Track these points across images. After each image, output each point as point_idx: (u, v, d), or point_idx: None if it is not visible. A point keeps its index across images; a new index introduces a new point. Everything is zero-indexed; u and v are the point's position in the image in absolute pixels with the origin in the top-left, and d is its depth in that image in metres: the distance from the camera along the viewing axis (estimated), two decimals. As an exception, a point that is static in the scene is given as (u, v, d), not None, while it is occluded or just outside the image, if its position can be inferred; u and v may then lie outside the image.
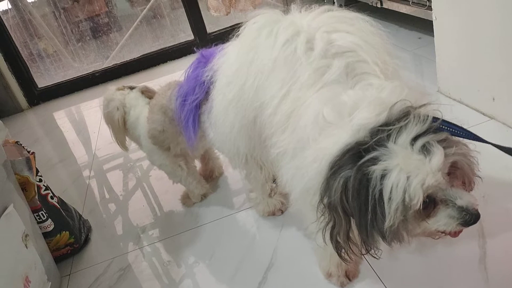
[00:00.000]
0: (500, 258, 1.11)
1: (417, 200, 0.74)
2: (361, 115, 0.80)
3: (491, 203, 1.27)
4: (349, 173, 0.77)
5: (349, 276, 1.15)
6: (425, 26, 2.37)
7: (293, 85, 0.93)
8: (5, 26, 3.20)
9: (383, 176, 0.74)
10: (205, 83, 1.27)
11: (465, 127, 1.69)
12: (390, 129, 0.76)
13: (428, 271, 1.12)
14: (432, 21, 1.77)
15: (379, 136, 0.77)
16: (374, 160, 0.75)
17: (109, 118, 1.58)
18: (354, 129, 0.79)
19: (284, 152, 0.96)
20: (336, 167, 0.79)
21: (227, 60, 1.15)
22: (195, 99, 1.31)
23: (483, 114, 1.65)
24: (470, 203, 0.78)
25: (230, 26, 3.37)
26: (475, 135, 0.85)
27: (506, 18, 1.39)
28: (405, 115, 0.78)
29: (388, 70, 0.92)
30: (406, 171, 0.74)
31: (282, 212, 1.47)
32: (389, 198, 0.74)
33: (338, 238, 0.84)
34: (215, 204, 1.64)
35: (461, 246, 1.16)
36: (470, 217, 0.78)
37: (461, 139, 0.82)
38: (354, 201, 0.78)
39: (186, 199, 1.68)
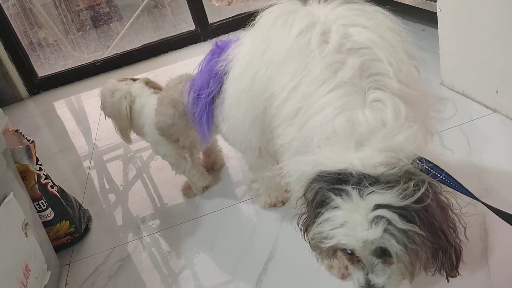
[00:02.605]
0: (502, 252, 1.11)
1: (324, 245, 0.81)
2: (366, 156, 0.79)
3: (493, 196, 1.27)
4: (322, 187, 0.82)
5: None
6: (429, 18, 2.35)
7: (303, 78, 0.92)
8: (6, 14, 3.18)
9: (332, 208, 0.80)
10: (219, 75, 1.25)
11: (468, 120, 1.69)
12: (371, 187, 0.76)
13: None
14: (436, 12, 1.76)
15: (360, 185, 0.78)
16: (339, 193, 0.79)
17: (115, 108, 1.55)
18: (352, 162, 0.80)
19: (288, 146, 0.95)
20: (319, 177, 0.83)
21: (241, 50, 1.15)
22: (209, 93, 1.29)
23: (486, 107, 1.64)
24: (379, 285, 0.84)
25: (232, 17, 3.35)
26: (470, 192, 0.84)
27: (511, 10, 1.38)
28: (395, 181, 0.76)
29: (402, 71, 0.89)
30: (344, 220, 0.78)
31: (283, 204, 1.47)
32: (319, 223, 0.81)
33: (307, 228, 0.90)
34: (215, 195, 1.64)
35: (463, 239, 1.15)
36: None
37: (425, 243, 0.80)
38: (313, 208, 0.85)
39: (188, 190, 1.67)
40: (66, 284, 1.41)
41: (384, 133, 0.81)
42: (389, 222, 0.75)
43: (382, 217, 0.75)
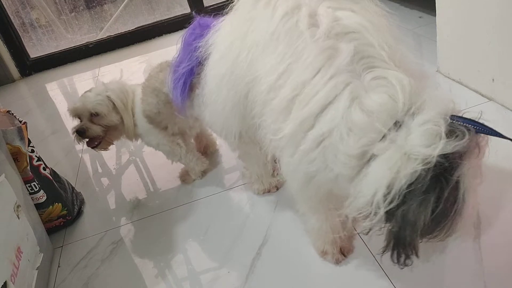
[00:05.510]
0: (494, 238, 1.12)
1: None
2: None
3: (487, 183, 1.27)
4: (431, 198, 0.75)
5: (344, 252, 1.15)
6: (427, 5, 2.33)
7: (294, 63, 0.87)
8: (-3, -6, 3.12)
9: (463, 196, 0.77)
10: (197, 58, 1.22)
11: (463, 108, 1.69)
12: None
13: (422, 249, 1.12)
14: (434, -1, 1.74)
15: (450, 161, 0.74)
16: (457, 178, 0.75)
17: (126, 98, 1.53)
18: (420, 159, 0.74)
19: (288, 141, 0.89)
20: (416, 194, 0.75)
21: (220, 34, 1.11)
22: (186, 66, 1.25)
23: (482, 95, 1.64)
24: None
25: (227, 0, 3.31)
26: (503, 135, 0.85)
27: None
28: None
29: (395, 55, 0.86)
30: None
31: (277, 189, 1.47)
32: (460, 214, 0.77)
33: (408, 253, 0.83)
34: (209, 180, 1.63)
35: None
36: None
37: None
38: (437, 221, 0.77)
39: (186, 176, 1.66)
40: (58, 266, 1.40)
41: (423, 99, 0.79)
42: None
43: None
